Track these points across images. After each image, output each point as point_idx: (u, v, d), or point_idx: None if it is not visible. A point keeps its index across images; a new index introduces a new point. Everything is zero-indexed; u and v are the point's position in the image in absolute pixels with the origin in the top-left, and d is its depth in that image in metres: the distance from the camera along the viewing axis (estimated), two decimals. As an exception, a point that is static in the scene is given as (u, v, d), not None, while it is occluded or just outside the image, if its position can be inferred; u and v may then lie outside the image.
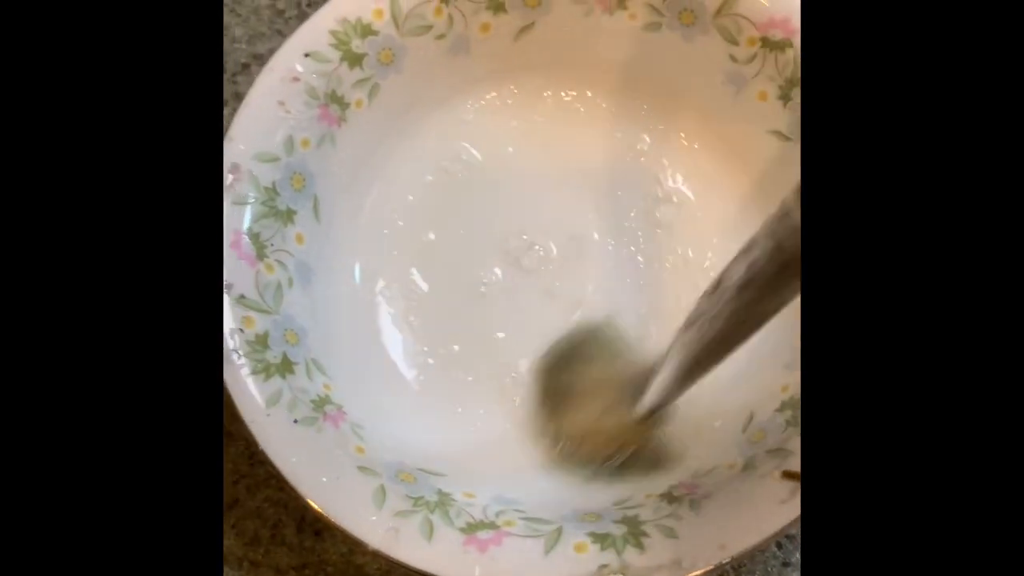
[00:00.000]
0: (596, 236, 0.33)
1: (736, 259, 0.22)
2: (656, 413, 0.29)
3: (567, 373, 0.31)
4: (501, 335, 0.31)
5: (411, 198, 0.33)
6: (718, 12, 0.30)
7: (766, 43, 0.30)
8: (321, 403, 0.27)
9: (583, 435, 0.30)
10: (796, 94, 0.30)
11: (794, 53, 0.30)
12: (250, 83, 0.30)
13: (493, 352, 0.31)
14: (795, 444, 0.26)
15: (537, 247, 0.32)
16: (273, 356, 0.27)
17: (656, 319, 0.32)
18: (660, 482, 0.27)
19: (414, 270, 0.32)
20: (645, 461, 0.29)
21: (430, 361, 0.31)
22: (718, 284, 0.23)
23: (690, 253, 0.32)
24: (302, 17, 0.38)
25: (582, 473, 0.29)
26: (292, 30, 0.38)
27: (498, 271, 0.32)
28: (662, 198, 0.33)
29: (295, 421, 0.26)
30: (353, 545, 0.27)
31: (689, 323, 0.25)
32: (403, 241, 0.33)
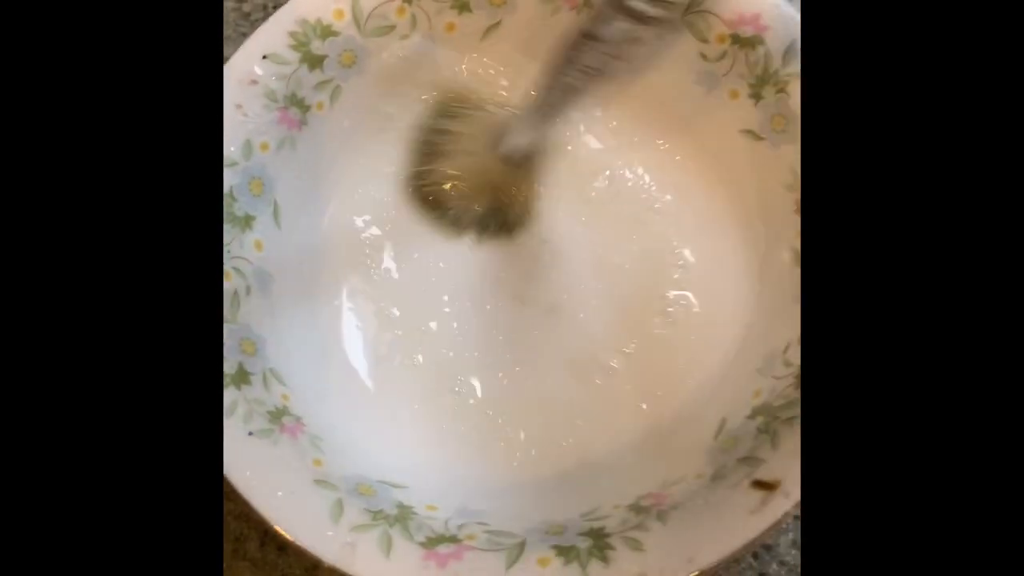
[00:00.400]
0: (565, 240, 0.32)
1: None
2: (520, 155, 0.30)
3: (440, 131, 0.32)
4: (464, 343, 0.31)
5: (375, 203, 0.32)
6: (688, 8, 0.30)
7: (736, 40, 0.29)
8: (279, 414, 0.27)
9: (452, 177, 0.31)
10: (767, 92, 0.29)
11: (764, 50, 0.29)
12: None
13: (456, 361, 0.30)
14: (766, 452, 0.25)
15: (503, 247, 0.32)
16: (229, 367, 0.26)
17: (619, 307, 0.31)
18: (627, 491, 0.26)
19: (376, 278, 0.31)
20: (511, 216, 0.31)
21: (393, 370, 0.30)
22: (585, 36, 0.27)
23: (660, 250, 0.32)
24: (268, 19, 0.38)
25: (451, 220, 0.31)
26: (258, 33, 0.38)
27: (465, 277, 0.31)
28: (633, 199, 0.32)
29: (250, 433, 0.26)
30: (317, 560, 0.26)
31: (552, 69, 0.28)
32: (366, 248, 0.32)
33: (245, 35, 0.37)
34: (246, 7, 0.38)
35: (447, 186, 0.32)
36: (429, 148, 0.32)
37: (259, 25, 0.37)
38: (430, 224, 0.32)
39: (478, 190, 0.32)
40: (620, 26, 0.26)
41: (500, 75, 0.33)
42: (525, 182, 0.32)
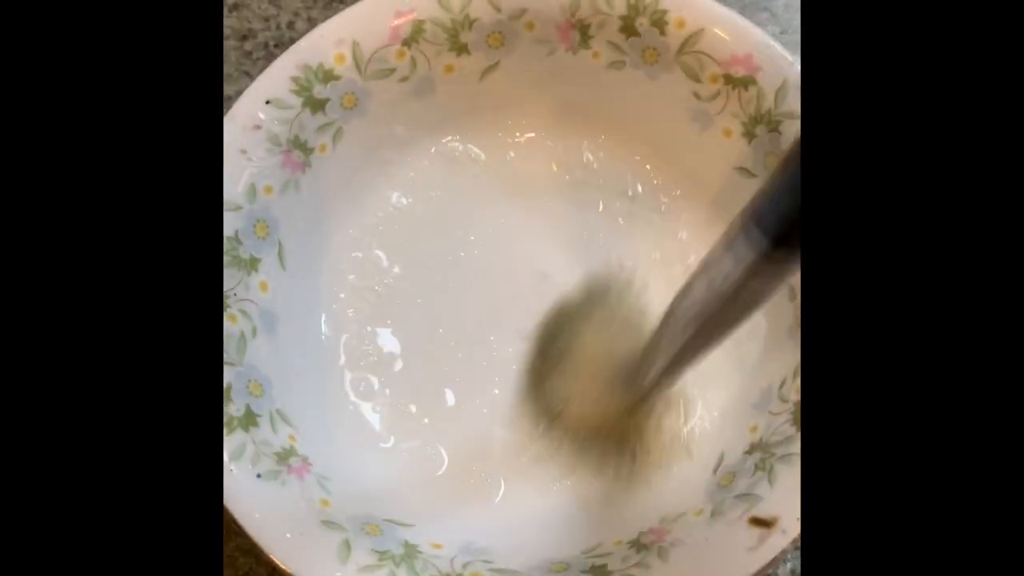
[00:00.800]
0: (564, 276, 0.32)
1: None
2: (647, 399, 0.29)
3: (561, 338, 0.31)
4: (469, 384, 0.31)
5: (378, 240, 0.33)
6: (680, 50, 0.30)
7: (729, 80, 0.30)
8: (286, 455, 0.27)
9: (572, 418, 0.30)
10: (760, 131, 0.30)
11: (757, 90, 0.30)
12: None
13: (460, 400, 0.31)
14: (763, 489, 0.25)
15: (504, 290, 0.32)
16: (236, 409, 0.27)
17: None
18: (628, 527, 0.27)
19: (380, 318, 0.32)
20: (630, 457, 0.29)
21: (397, 408, 0.31)
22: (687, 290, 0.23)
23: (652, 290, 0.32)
24: (270, 58, 0.38)
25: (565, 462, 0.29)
26: (260, 71, 0.38)
27: (467, 318, 0.32)
28: (626, 235, 0.33)
29: (258, 475, 0.26)
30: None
31: (669, 317, 0.25)
32: (369, 287, 0.32)
33: (247, 73, 0.38)
34: (248, 46, 0.38)
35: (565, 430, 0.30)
36: (548, 354, 0.31)
37: (261, 63, 0.38)
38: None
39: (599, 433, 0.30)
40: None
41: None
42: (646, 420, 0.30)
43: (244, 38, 0.38)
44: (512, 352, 0.32)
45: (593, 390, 0.30)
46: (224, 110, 0.37)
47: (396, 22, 0.31)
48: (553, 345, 0.31)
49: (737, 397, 0.29)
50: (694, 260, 0.32)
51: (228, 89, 0.38)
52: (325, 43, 0.30)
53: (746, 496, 0.26)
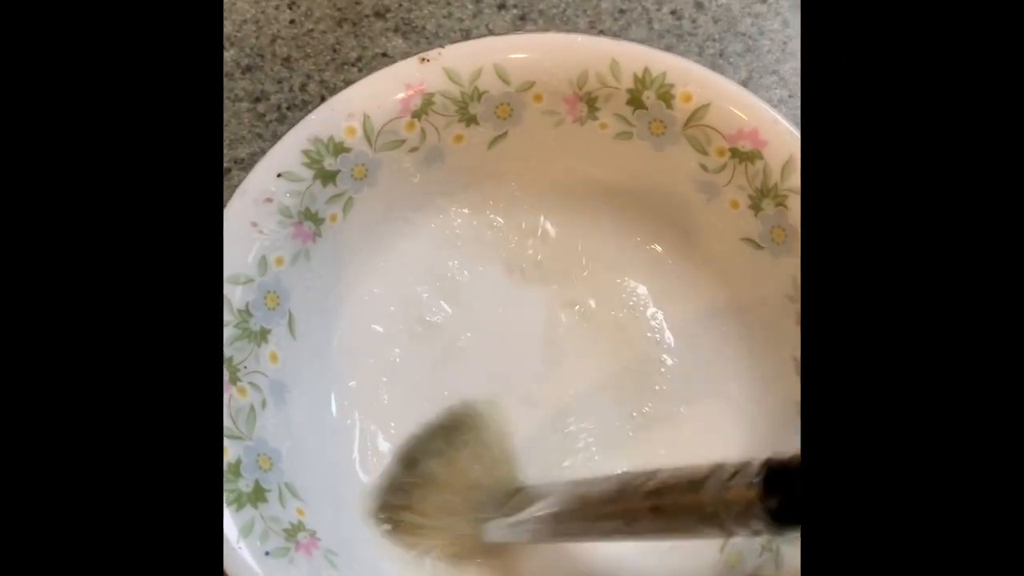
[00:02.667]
0: (571, 349, 0.33)
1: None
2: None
3: (438, 447, 0.31)
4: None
5: (389, 311, 0.33)
6: (687, 123, 0.31)
7: (736, 154, 0.30)
8: (294, 531, 0.27)
9: (423, 525, 0.29)
10: (767, 204, 0.30)
11: (763, 164, 0.30)
12: (231, 187, 0.30)
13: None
14: (770, 571, 0.25)
15: (515, 361, 0.32)
16: (245, 485, 0.27)
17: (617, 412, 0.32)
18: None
19: (390, 388, 0.32)
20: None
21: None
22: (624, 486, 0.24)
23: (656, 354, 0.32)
24: (282, 120, 0.39)
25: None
26: (273, 133, 0.39)
27: (474, 387, 0.32)
28: (632, 304, 0.33)
29: (267, 553, 0.26)
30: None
31: (582, 485, 0.26)
32: (379, 361, 0.32)
33: (260, 136, 0.39)
34: (260, 108, 0.39)
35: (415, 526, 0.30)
36: (406, 481, 0.30)
37: (274, 125, 0.39)
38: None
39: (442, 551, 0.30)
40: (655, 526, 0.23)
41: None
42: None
43: (257, 100, 0.39)
44: (521, 416, 0.32)
45: (446, 515, 0.30)
46: (237, 171, 0.38)
47: (406, 95, 0.31)
48: (420, 463, 0.31)
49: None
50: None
51: (241, 151, 0.38)
52: (336, 116, 0.31)
53: (753, 578, 0.26)
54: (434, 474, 0.30)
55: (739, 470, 0.22)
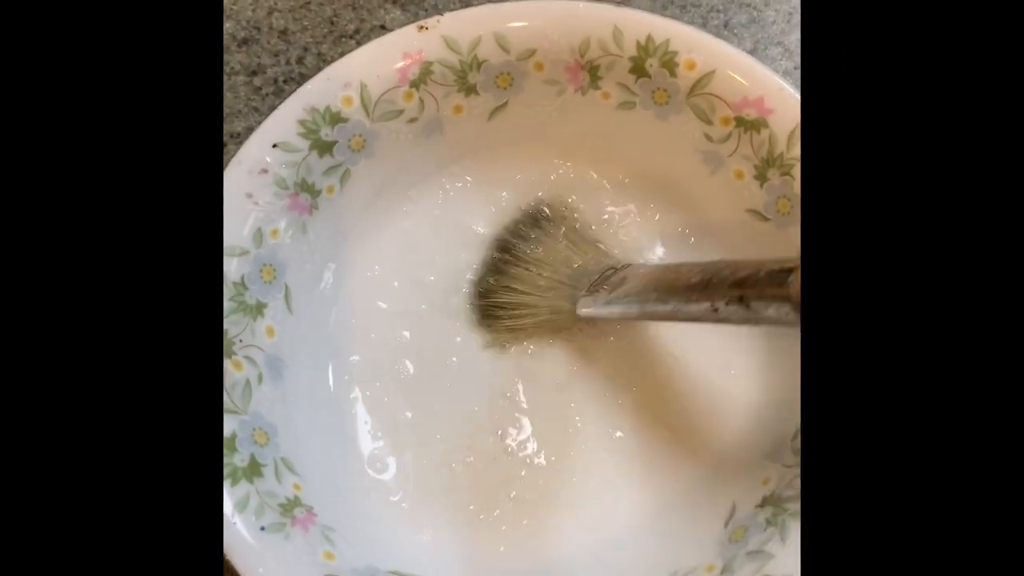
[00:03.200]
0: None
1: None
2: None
3: (529, 233, 0.32)
4: (476, 432, 0.31)
5: (393, 286, 0.33)
6: (691, 91, 0.30)
7: (740, 123, 0.30)
8: (290, 506, 0.27)
9: (520, 302, 0.31)
10: (772, 174, 0.29)
11: (769, 133, 0.29)
12: (226, 161, 0.30)
13: (470, 449, 0.31)
14: (775, 546, 0.25)
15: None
16: (240, 459, 0.27)
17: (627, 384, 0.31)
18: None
19: (390, 362, 0.32)
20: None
21: (405, 458, 0.31)
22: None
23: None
24: (279, 94, 0.38)
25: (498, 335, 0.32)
26: (269, 106, 0.38)
27: (476, 363, 0.32)
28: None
29: (262, 528, 0.26)
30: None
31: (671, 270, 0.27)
32: (379, 335, 0.32)
33: (256, 109, 0.38)
34: (257, 81, 0.38)
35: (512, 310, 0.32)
36: (505, 263, 0.32)
37: (270, 98, 0.38)
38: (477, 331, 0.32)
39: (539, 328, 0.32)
40: (742, 314, 0.24)
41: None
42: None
43: (254, 73, 0.38)
44: (521, 391, 0.31)
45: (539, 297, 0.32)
46: (232, 145, 0.37)
47: (404, 64, 0.30)
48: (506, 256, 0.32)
49: (751, 445, 0.29)
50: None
51: (237, 125, 0.37)
52: (332, 86, 0.30)
53: (757, 553, 0.25)
54: (530, 255, 0.32)
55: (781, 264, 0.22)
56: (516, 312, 0.31)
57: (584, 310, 0.31)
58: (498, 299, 0.32)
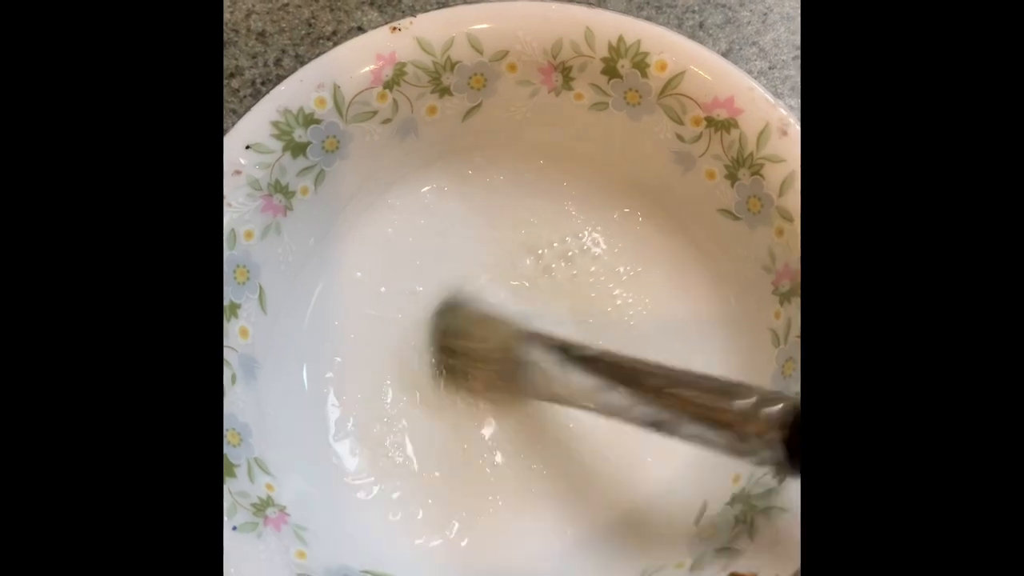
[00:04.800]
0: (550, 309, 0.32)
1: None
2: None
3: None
4: (448, 430, 0.31)
5: (361, 286, 0.33)
6: (662, 92, 0.30)
7: (711, 123, 0.30)
8: (263, 506, 0.27)
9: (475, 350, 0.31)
10: (743, 173, 0.30)
11: (739, 133, 0.29)
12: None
13: (442, 446, 0.31)
14: (744, 543, 0.25)
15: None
16: (213, 460, 0.27)
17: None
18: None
19: (365, 364, 0.32)
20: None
21: (378, 456, 0.31)
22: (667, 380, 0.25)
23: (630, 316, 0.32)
24: (257, 95, 0.38)
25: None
26: (246, 109, 0.38)
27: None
28: (608, 275, 0.33)
29: (234, 528, 0.26)
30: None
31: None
32: (352, 337, 0.32)
33: (234, 111, 0.38)
34: (235, 83, 0.38)
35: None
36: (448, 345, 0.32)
37: (248, 101, 0.38)
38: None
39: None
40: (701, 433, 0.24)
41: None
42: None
43: (231, 75, 0.38)
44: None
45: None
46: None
47: (377, 65, 0.30)
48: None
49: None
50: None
51: (215, 127, 0.37)
52: (305, 87, 0.30)
53: (726, 550, 0.25)
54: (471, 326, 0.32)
55: (775, 401, 0.22)
56: (470, 364, 0.31)
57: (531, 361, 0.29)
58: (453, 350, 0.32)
